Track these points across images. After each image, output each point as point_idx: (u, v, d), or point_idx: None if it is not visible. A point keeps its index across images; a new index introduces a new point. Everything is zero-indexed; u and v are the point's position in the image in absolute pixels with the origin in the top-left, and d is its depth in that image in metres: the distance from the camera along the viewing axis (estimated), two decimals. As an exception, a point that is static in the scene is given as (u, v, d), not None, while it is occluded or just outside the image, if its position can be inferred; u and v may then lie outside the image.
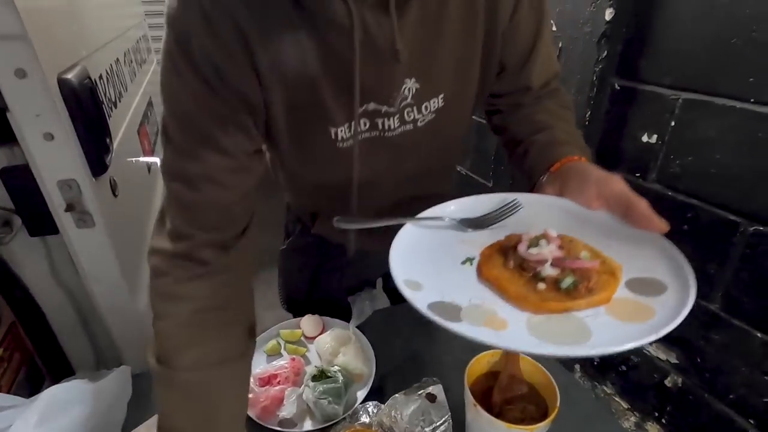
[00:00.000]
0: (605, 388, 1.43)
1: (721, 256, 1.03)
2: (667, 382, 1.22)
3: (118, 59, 1.21)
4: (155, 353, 0.53)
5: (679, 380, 1.18)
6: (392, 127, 0.61)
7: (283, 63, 0.51)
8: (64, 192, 0.72)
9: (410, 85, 0.58)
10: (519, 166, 0.66)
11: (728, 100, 0.97)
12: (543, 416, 0.55)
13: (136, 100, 1.36)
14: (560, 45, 1.29)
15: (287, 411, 0.69)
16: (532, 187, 0.60)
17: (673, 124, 1.09)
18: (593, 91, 1.24)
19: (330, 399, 0.68)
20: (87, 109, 0.73)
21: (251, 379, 0.73)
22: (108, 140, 0.83)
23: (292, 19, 0.49)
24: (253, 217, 0.60)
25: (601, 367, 1.44)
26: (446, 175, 0.83)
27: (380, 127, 0.60)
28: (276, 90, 0.53)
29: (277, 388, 0.72)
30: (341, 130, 0.58)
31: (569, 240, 0.47)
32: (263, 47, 0.49)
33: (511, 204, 0.54)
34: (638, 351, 1.29)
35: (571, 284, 0.41)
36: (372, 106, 0.58)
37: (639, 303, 0.40)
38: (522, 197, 0.55)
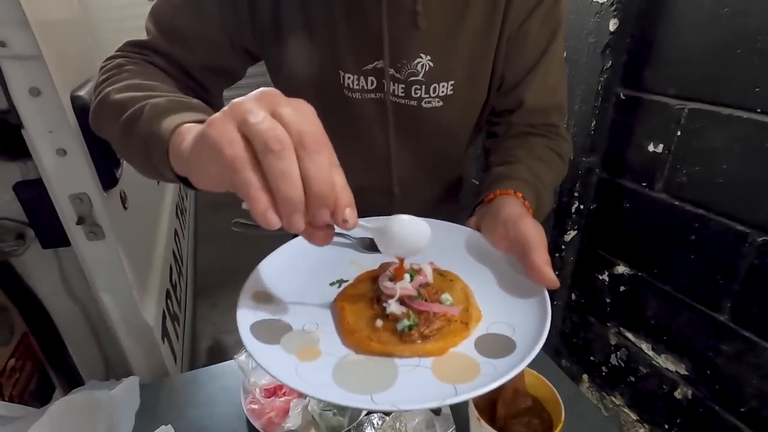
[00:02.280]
0: (614, 399, 1.42)
1: (730, 267, 1.02)
2: (677, 394, 1.20)
3: (129, 73, 1.23)
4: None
5: (689, 392, 1.17)
6: (397, 93, 0.63)
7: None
8: (75, 205, 0.73)
9: (424, 61, 0.60)
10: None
11: (734, 110, 0.96)
12: (548, 430, 0.55)
13: (147, 113, 1.38)
14: (564, 55, 1.29)
15: (292, 422, 0.69)
16: (469, 216, 0.59)
17: (679, 133, 1.09)
18: (598, 101, 1.24)
19: (335, 411, 0.68)
20: (98, 125, 0.74)
21: (257, 390, 0.74)
22: (118, 154, 0.85)
23: None
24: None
25: (610, 378, 1.43)
26: (454, 187, 0.82)
27: (385, 89, 0.62)
28: (296, 24, 0.58)
29: (282, 399, 0.73)
30: (349, 77, 0.61)
31: (450, 279, 0.46)
32: None
33: None
34: (647, 362, 1.28)
35: (406, 327, 0.39)
36: (381, 64, 0.60)
37: (472, 362, 0.37)
38: (436, 226, 0.52)
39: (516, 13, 0.60)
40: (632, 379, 1.34)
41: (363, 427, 0.68)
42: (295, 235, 0.52)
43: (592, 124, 1.27)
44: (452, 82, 0.62)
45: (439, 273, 0.47)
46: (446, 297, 0.42)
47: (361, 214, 0.42)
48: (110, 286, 0.83)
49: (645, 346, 1.28)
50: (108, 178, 0.78)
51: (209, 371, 0.80)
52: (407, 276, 0.43)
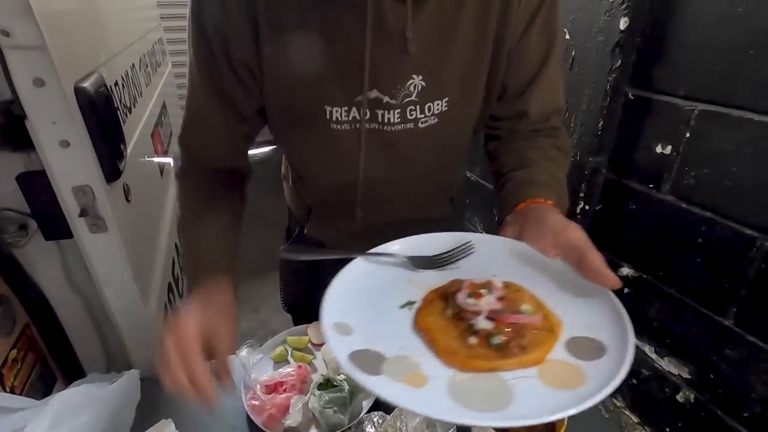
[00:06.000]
0: (615, 401, 1.41)
1: (737, 271, 1.01)
2: (679, 398, 1.19)
3: (133, 65, 1.23)
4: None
5: (692, 396, 1.16)
6: (392, 121, 0.61)
7: (288, 37, 0.55)
8: (78, 198, 0.73)
9: (417, 81, 0.59)
10: (497, 199, 0.65)
11: (745, 112, 0.95)
12: (550, 431, 0.55)
13: (151, 105, 1.38)
14: (573, 54, 1.28)
15: (293, 419, 0.69)
16: (499, 223, 0.59)
17: (688, 135, 1.07)
18: (606, 101, 1.22)
19: (335, 408, 0.68)
20: (102, 117, 0.74)
21: (258, 386, 0.73)
22: (122, 146, 0.85)
23: None
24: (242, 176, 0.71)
25: (611, 380, 1.42)
26: (445, 192, 0.82)
27: (380, 119, 0.61)
28: (277, 63, 0.56)
29: (283, 395, 0.73)
30: (336, 111, 0.60)
31: (516, 289, 0.46)
32: (270, 22, 0.53)
33: (464, 247, 0.53)
34: (649, 364, 1.27)
35: (502, 341, 0.40)
36: (374, 93, 0.59)
37: (572, 367, 0.38)
38: (478, 239, 0.54)
39: (514, 27, 0.60)
40: (634, 381, 1.34)
41: (363, 425, 0.68)
42: (347, 260, 0.52)
43: (600, 124, 1.26)
44: (446, 98, 0.62)
45: (504, 285, 0.47)
46: (526, 307, 0.43)
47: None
48: (112, 279, 0.83)
49: (648, 349, 1.27)
50: (111, 171, 0.77)
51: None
52: (483, 291, 0.44)
